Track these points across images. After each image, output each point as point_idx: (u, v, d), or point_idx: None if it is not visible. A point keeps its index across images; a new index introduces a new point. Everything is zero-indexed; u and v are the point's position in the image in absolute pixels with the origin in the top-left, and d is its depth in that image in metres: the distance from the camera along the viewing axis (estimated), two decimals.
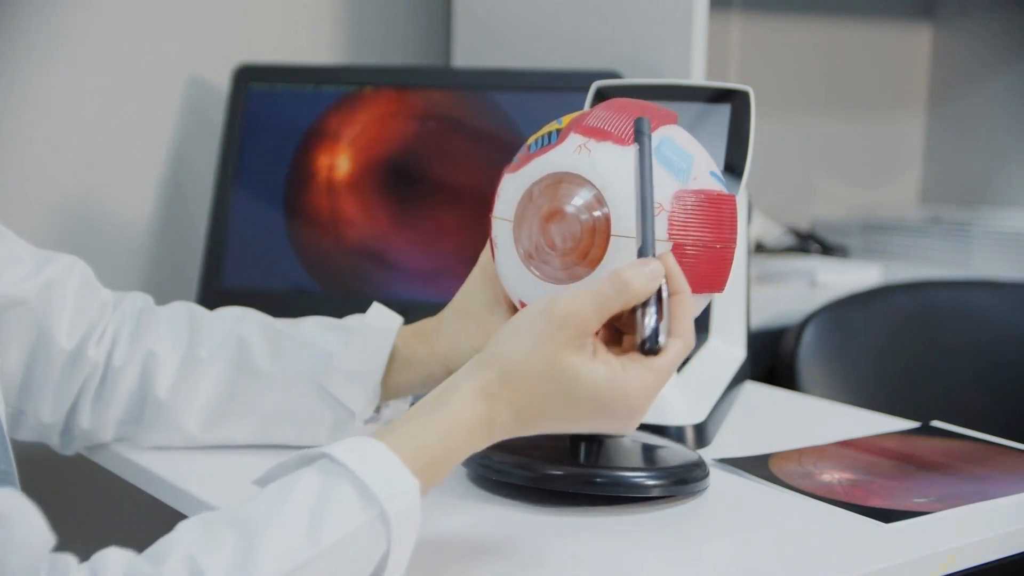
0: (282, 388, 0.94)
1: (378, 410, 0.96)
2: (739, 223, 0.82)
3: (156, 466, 0.94)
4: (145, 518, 1.03)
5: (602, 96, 0.95)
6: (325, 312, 0.99)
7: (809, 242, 2.00)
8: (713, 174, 0.81)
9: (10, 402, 0.92)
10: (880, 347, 1.56)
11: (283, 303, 1.32)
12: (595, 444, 0.87)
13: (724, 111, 0.93)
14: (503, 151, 0.93)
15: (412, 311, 1.00)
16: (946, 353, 1.58)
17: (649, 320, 0.74)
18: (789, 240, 1.99)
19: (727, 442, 1.03)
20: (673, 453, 0.92)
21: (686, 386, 1.04)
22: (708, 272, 0.79)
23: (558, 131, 0.81)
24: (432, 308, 0.96)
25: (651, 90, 0.93)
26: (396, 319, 0.94)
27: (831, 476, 0.94)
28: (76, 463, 1.05)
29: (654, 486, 0.86)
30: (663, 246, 0.77)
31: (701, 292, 0.80)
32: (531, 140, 0.82)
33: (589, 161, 0.78)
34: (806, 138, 2.14)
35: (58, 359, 0.93)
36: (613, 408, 0.73)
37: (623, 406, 0.73)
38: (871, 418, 1.14)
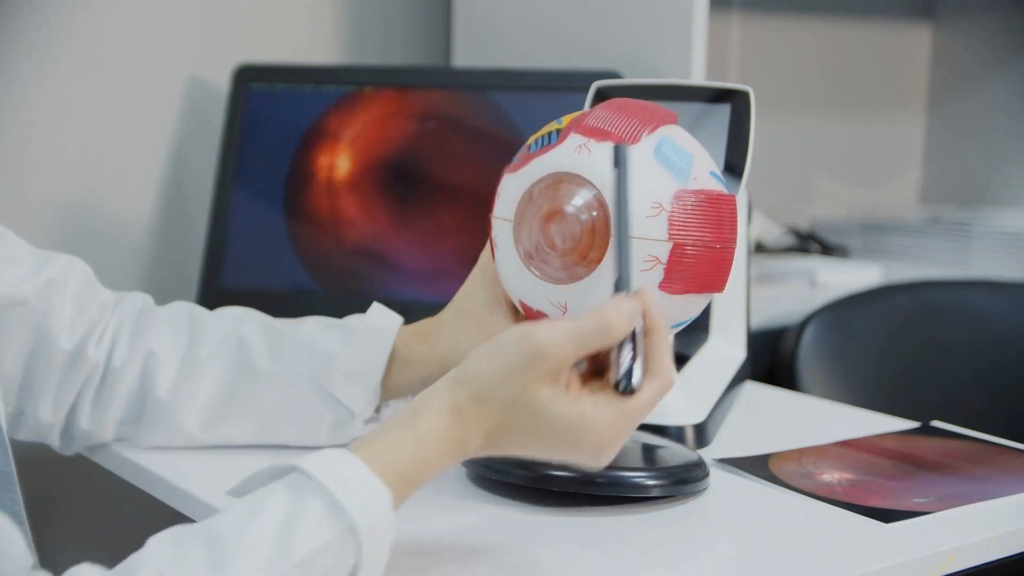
0: (282, 388, 0.94)
1: (378, 410, 0.96)
2: (739, 223, 0.82)
3: (156, 466, 0.94)
4: (145, 518, 1.02)
5: (602, 96, 0.95)
6: (325, 312, 0.99)
7: (809, 242, 1.99)
8: (713, 174, 0.81)
9: (10, 402, 0.92)
10: (880, 347, 1.55)
11: (283, 303, 1.32)
12: None
13: (724, 111, 0.93)
14: (503, 151, 0.93)
15: (412, 311, 1.00)
16: (946, 353, 1.58)
17: (624, 360, 0.71)
18: (789, 240, 1.99)
19: (727, 442, 1.03)
20: (673, 453, 0.92)
21: (686, 386, 1.04)
22: (708, 272, 0.79)
23: (558, 131, 0.81)
24: (432, 308, 0.96)
25: (651, 90, 0.93)
26: (396, 319, 0.94)
27: (831, 476, 0.94)
28: (76, 463, 1.05)
29: (654, 486, 0.86)
30: (663, 246, 0.77)
31: (701, 292, 0.80)
32: (531, 140, 0.82)
33: (589, 161, 0.78)
34: (806, 138, 2.14)
35: (58, 359, 0.93)
36: (580, 444, 0.71)
37: (589, 443, 0.71)
38: (871, 418, 1.14)
